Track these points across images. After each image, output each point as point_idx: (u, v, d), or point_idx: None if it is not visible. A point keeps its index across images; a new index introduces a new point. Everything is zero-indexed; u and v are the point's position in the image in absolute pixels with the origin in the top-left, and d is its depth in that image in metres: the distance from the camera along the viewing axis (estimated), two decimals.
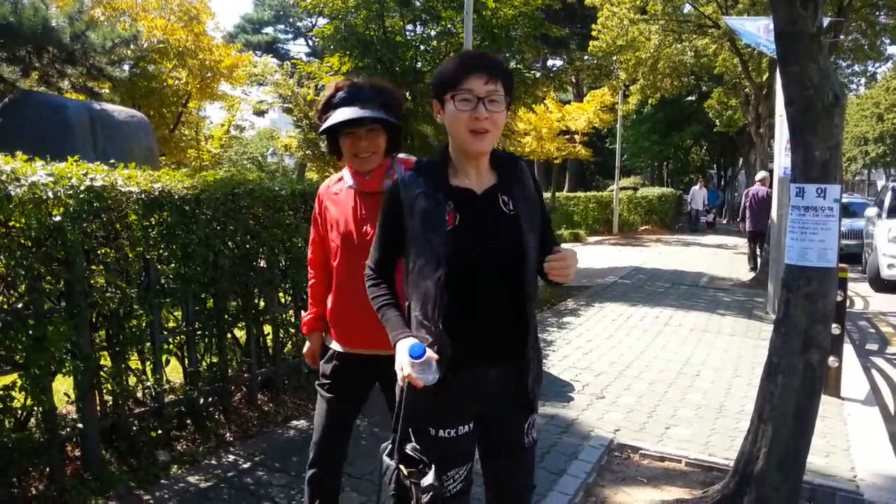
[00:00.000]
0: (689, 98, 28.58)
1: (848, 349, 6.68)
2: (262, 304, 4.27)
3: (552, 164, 22.57)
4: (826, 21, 8.82)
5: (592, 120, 20.67)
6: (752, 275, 11.84)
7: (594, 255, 14.97)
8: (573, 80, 20.52)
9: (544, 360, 5.88)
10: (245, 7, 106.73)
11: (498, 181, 1.82)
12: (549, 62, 23.08)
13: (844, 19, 11.07)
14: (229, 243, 3.96)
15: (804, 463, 2.95)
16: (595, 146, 25.22)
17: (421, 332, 1.73)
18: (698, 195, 21.97)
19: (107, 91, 12.33)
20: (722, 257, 14.81)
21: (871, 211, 13.77)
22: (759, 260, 11.99)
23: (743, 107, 21.72)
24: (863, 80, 23.20)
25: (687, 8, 18.79)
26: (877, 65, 19.30)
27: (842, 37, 13.98)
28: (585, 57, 15.51)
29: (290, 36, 46.88)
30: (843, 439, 4.38)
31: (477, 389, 1.79)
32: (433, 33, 12.25)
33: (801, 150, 2.73)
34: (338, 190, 2.39)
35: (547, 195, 22.65)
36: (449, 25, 11.69)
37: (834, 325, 5.45)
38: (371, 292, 1.91)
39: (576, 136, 20.75)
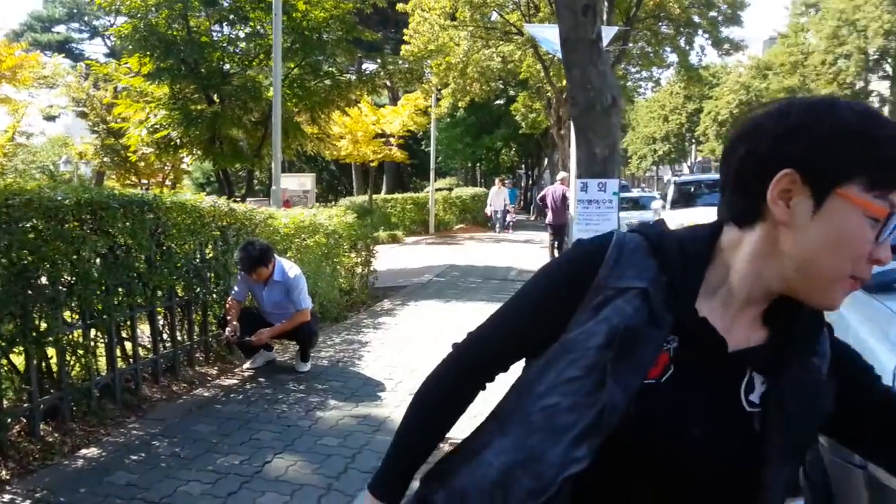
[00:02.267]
0: (498, 102, 30.01)
1: None
2: (43, 325, 3.85)
3: (369, 167, 22.66)
4: (614, 30, 9.65)
5: (407, 123, 21.03)
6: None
7: (411, 255, 15.22)
8: (387, 83, 20.76)
9: (358, 362, 5.89)
10: (34, 4, 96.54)
11: (767, 343, 0.98)
12: (364, 66, 23.21)
13: (631, 28, 12.16)
14: (3, 260, 3.54)
15: None
16: (411, 149, 25.69)
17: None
18: (497, 196, 22.36)
19: None
20: (529, 251, 15.66)
21: (657, 203, 15.23)
22: (556, 252, 13.03)
23: (546, 110, 23.21)
24: (650, 85, 25.71)
25: (494, 16, 19.71)
26: (660, 70, 21.44)
27: (630, 45, 15.37)
28: (399, 61, 15.76)
29: (85, 35, 43.26)
30: None
31: None
32: (241, 34, 11.83)
33: (584, 147, 2.92)
34: None
35: (364, 198, 22.71)
36: (258, 27, 11.35)
37: None
38: (430, 405, 1.13)
39: (391, 139, 21.00)
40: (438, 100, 21.71)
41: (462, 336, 1.14)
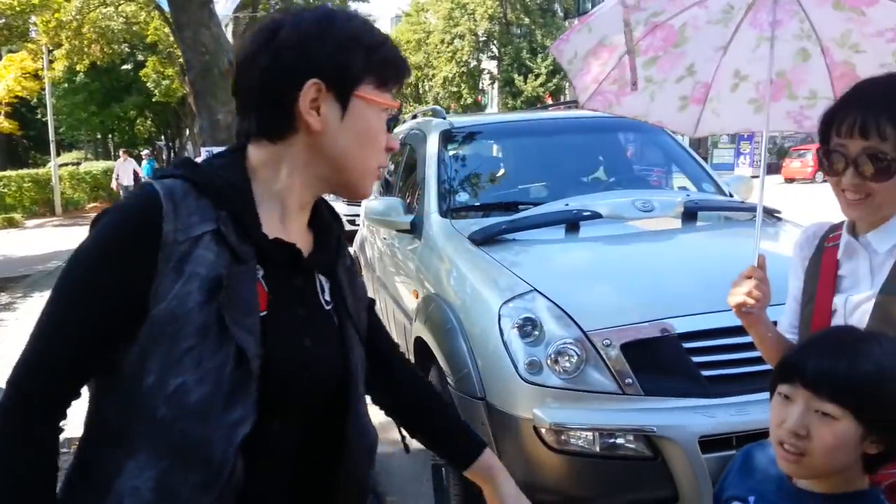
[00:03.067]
0: (126, 67, 27.46)
1: None
2: None
3: None
4: None
5: (14, 88, 18.03)
6: None
7: (34, 241, 13.40)
8: None
9: None
10: None
11: (315, 247, 1.07)
12: None
13: None
14: None
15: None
16: (24, 118, 22.25)
17: None
18: (123, 169, 20.32)
19: None
20: None
21: None
22: None
23: (180, 77, 21.83)
24: None
25: None
26: None
27: (260, 12, 15.16)
28: None
29: None
30: None
31: None
32: None
33: (206, 114, 2.82)
34: None
35: None
36: None
37: None
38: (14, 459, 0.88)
39: None
40: (51, 61, 19.01)
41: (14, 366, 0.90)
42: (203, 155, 2.81)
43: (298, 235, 1.03)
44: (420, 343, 3.11)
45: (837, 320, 1.36)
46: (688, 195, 3.39)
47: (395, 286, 3.97)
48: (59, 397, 0.90)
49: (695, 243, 3.12)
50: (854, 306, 1.34)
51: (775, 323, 1.54)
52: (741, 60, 1.88)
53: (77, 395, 0.92)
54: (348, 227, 8.52)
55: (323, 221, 1.09)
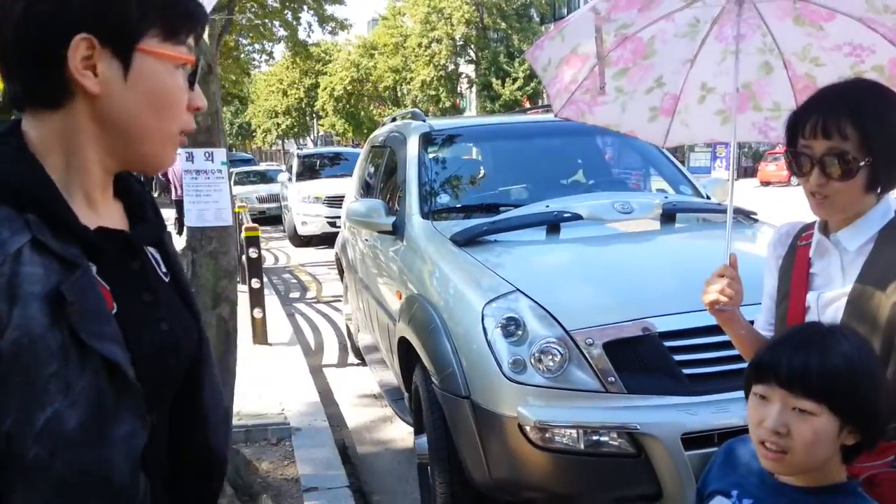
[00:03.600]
0: None
1: (273, 300, 7.41)
2: None
3: None
4: None
5: None
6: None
7: None
8: None
9: None
10: None
11: (133, 220, 0.96)
12: None
13: None
14: None
15: (231, 409, 3.15)
16: None
17: None
18: None
19: None
20: None
21: (283, 176, 15.50)
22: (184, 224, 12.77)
23: None
24: (264, 58, 25.57)
25: None
26: (271, 45, 21.46)
27: (237, 15, 15.06)
28: None
29: None
30: (273, 380, 4.86)
31: None
32: None
33: None
34: None
35: None
36: None
37: (254, 280, 5.96)
38: None
39: None
40: None
41: None
42: (182, 156, 2.80)
43: (112, 214, 0.91)
44: (404, 343, 3.12)
45: (811, 317, 1.40)
46: (666, 197, 3.44)
47: (378, 287, 3.98)
48: None
49: (673, 244, 3.18)
50: (826, 303, 1.38)
51: (752, 322, 1.58)
52: (708, 73, 1.92)
53: None
54: (330, 229, 8.56)
55: (128, 187, 0.95)
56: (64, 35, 0.78)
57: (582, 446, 2.29)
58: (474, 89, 37.79)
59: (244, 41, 20.72)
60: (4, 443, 0.73)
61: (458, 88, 39.19)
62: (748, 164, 32.88)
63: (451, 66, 38.26)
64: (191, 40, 0.87)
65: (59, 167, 0.83)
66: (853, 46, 1.68)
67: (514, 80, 33.02)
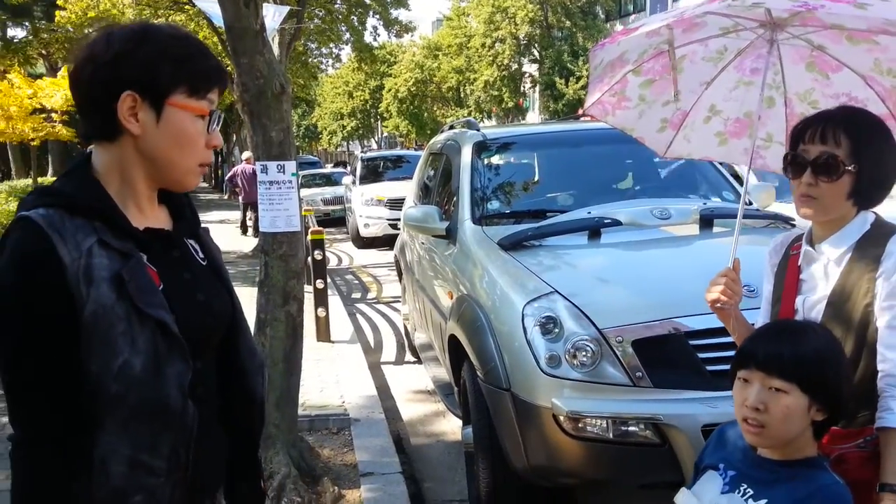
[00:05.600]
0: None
1: (335, 300, 7.76)
2: None
3: (29, 147, 19.92)
4: (286, 9, 9.80)
5: (71, 97, 18.84)
6: (254, 245, 12.71)
7: None
8: (43, 53, 18.32)
9: None
10: None
11: (175, 219, 1.29)
12: (10, 32, 20.18)
13: (303, 8, 12.36)
14: None
15: (297, 398, 3.47)
16: (76, 123, 23.05)
17: (137, 497, 1.11)
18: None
19: None
20: (224, 232, 15.33)
21: (348, 179, 15.91)
22: (248, 224, 14.02)
23: (231, 90, 22.39)
24: (331, 61, 26.18)
25: None
26: (339, 47, 22.00)
27: (306, 21, 15.60)
28: (54, 28, 14.02)
29: None
30: (334, 375, 5.19)
31: None
32: None
33: (260, 132, 3.13)
34: None
35: (27, 181, 20.02)
36: None
37: (318, 281, 6.31)
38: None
39: (54, 115, 18.69)
40: None
41: None
42: (258, 168, 3.13)
43: (157, 216, 1.22)
44: (454, 340, 3.37)
45: (798, 318, 1.60)
46: (704, 203, 3.57)
47: (433, 288, 4.24)
48: (58, 422, 1.07)
49: (708, 249, 3.31)
50: (811, 306, 1.57)
51: (754, 324, 1.77)
52: (718, 97, 2.10)
53: (75, 423, 1.08)
54: (391, 231, 8.91)
55: (171, 195, 1.26)
56: (116, 91, 1.09)
57: (611, 435, 2.49)
58: (537, 89, 37.68)
59: (312, 45, 21.38)
60: (94, 383, 1.06)
61: (522, 88, 39.14)
62: None
63: (515, 66, 38.23)
64: (212, 95, 1.17)
65: (117, 186, 1.15)
66: (850, 97, 1.87)
67: (578, 78, 32.74)
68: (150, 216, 1.21)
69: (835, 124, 1.52)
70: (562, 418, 2.53)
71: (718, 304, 1.69)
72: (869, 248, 1.51)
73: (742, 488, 1.39)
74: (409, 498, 3.34)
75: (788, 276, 1.65)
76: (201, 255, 1.29)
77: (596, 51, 2.18)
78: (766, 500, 1.34)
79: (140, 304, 1.08)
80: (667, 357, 2.55)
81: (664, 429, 2.42)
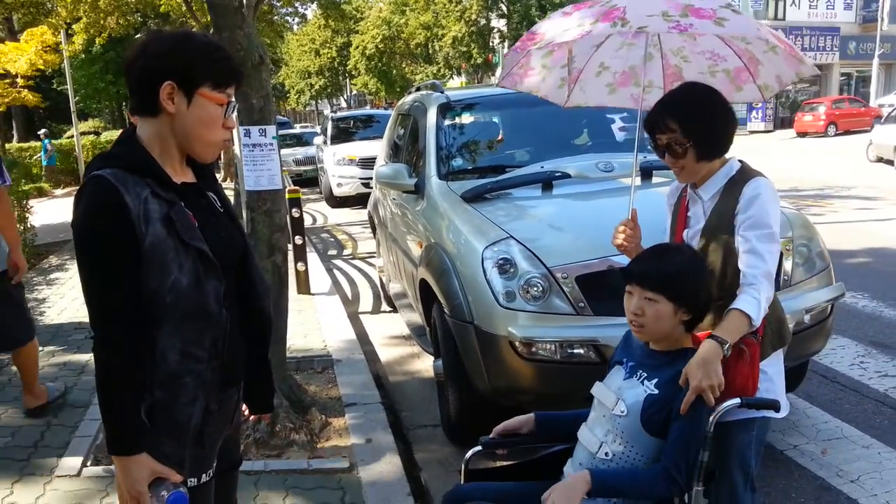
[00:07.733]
0: (139, 36, 27.66)
1: (313, 257, 8.10)
2: None
3: None
4: None
5: (35, 62, 18.57)
6: None
7: (66, 208, 13.98)
8: (6, 16, 17.99)
9: (42, 318, 5.78)
10: None
11: (199, 177, 1.67)
12: None
13: None
14: None
15: (285, 339, 3.86)
16: (41, 89, 22.71)
17: (187, 378, 1.52)
18: None
19: None
20: None
21: (318, 139, 16.03)
22: None
23: None
24: (297, 20, 25.95)
25: None
26: (304, 6, 21.86)
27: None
28: None
29: None
30: (316, 323, 5.58)
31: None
32: None
33: (242, 99, 3.44)
34: None
35: None
36: None
37: (297, 237, 6.64)
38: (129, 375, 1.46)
39: (18, 80, 18.45)
40: (70, 35, 19.50)
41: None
42: (241, 132, 3.45)
43: (187, 174, 1.60)
44: (424, 284, 3.77)
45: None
46: (645, 157, 3.96)
47: (405, 240, 4.62)
48: (134, 323, 1.44)
49: (645, 197, 3.70)
50: (692, 236, 2.02)
51: None
52: (607, 56, 2.55)
53: (140, 323, 1.45)
54: (364, 189, 9.30)
55: (195, 160, 1.63)
56: (160, 80, 1.46)
57: (559, 357, 2.93)
58: (506, 44, 37.65)
59: (277, 3, 21.19)
60: (153, 296, 1.46)
61: (490, 44, 39.05)
62: (785, 114, 32.34)
63: (483, 21, 38.07)
64: (230, 89, 1.55)
65: (158, 151, 1.53)
66: (713, 54, 2.33)
67: None
68: (182, 174, 1.59)
69: (665, 115, 1.96)
70: (517, 344, 2.96)
71: (621, 248, 2.13)
72: (732, 190, 1.95)
73: (638, 373, 1.84)
74: (388, 424, 3.77)
75: (680, 213, 2.09)
76: (219, 203, 1.68)
77: (509, 54, 2.63)
78: (656, 380, 1.78)
79: (185, 237, 1.48)
80: (605, 289, 2.97)
81: (602, 349, 2.86)
